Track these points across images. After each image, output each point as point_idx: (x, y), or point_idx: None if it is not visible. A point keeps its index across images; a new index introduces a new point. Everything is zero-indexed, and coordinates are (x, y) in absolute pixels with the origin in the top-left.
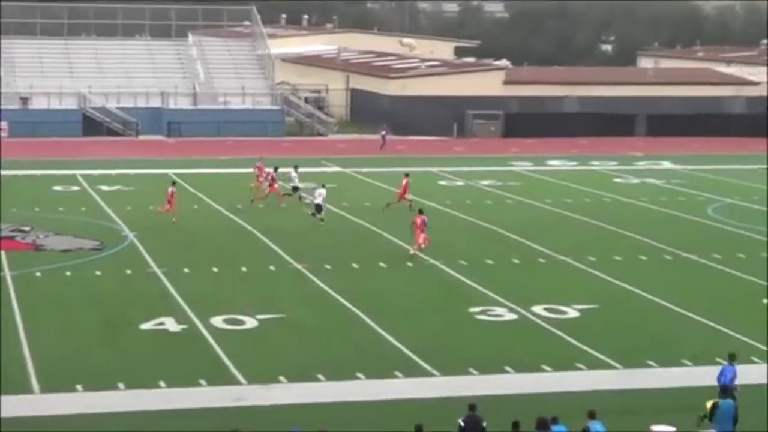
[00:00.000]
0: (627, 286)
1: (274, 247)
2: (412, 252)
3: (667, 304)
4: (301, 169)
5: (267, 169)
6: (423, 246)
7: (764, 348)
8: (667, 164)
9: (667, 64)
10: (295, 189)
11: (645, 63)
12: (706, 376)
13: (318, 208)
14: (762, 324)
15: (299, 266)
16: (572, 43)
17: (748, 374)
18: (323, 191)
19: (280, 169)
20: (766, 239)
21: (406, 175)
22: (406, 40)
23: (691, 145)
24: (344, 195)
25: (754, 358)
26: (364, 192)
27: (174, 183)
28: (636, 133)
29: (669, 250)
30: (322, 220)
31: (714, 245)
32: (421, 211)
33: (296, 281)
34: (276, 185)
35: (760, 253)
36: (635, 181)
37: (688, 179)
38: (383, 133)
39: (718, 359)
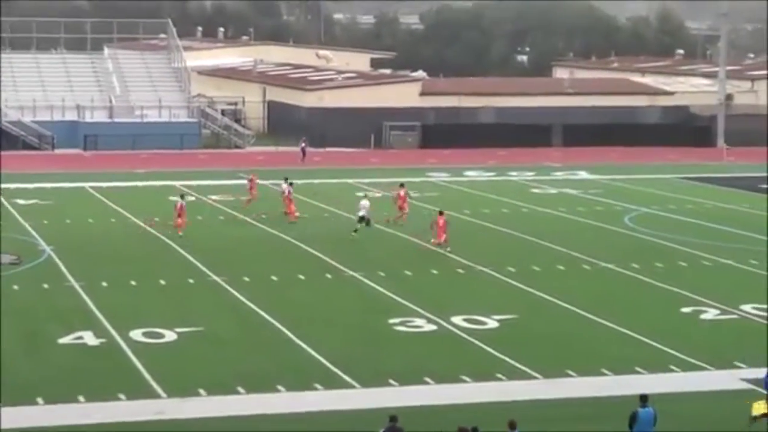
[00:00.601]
0: (546, 296)
1: (193, 260)
2: (434, 242)
3: (586, 314)
4: (217, 182)
5: (285, 186)
6: (442, 243)
7: (682, 356)
8: (583, 174)
9: (582, 74)
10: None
11: (560, 73)
12: (625, 385)
13: (362, 219)
14: (679, 332)
15: (218, 279)
16: (488, 54)
17: (666, 383)
18: (366, 203)
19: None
20: (682, 248)
21: (402, 185)
22: (322, 52)
23: (607, 154)
24: (262, 207)
25: (673, 367)
26: (282, 204)
27: (182, 196)
28: (552, 143)
29: (587, 259)
30: (367, 224)
31: (631, 254)
32: (441, 213)
33: (215, 294)
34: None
35: (677, 262)
36: (553, 191)
37: (604, 189)
38: (303, 145)
39: (637, 368)
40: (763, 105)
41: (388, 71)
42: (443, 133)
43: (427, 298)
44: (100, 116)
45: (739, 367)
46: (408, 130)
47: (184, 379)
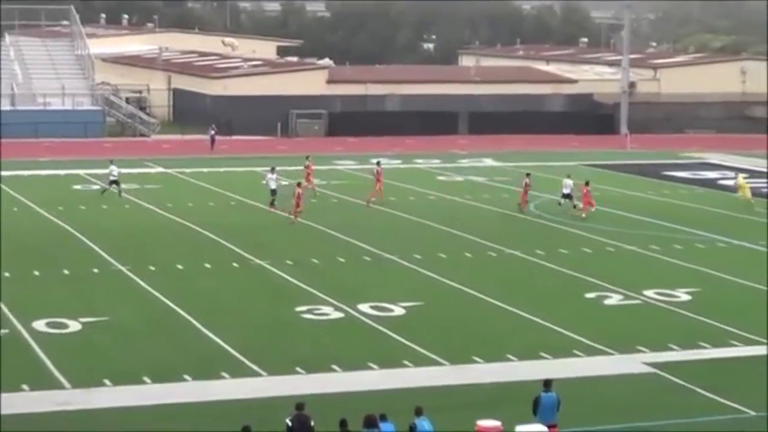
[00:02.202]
0: (452, 283)
1: (97, 249)
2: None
3: (492, 300)
4: (122, 170)
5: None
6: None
7: (586, 341)
8: (489, 161)
9: (488, 62)
10: (273, 192)
11: (466, 61)
12: (530, 370)
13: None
14: (583, 318)
15: (122, 268)
16: (394, 42)
17: (570, 368)
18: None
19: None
20: (587, 234)
21: (378, 162)
22: (228, 40)
23: (513, 142)
24: (168, 196)
25: (577, 352)
26: (188, 193)
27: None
28: (459, 131)
29: (493, 246)
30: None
31: (537, 241)
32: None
33: (120, 283)
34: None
35: (581, 248)
36: (459, 178)
37: (510, 176)
38: (212, 133)
39: (542, 354)
40: (665, 93)
41: (294, 59)
42: (350, 121)
43: (335, 286)
44: (2, 104)
45: (642, 352)
46: (315, 118)
47: (89, 369)
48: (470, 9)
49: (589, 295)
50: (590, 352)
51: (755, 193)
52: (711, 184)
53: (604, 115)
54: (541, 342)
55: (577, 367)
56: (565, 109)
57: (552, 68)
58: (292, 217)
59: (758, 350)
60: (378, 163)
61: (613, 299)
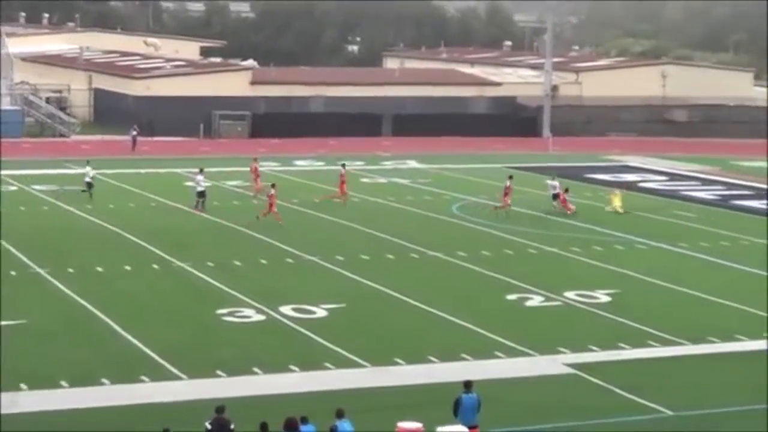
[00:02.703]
0: (374, 285)
1: (14, 251)
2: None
3: (414, 302)
4: (41, 172)
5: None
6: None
7: (507, 343)
8: (413, 163)
9: (412, 64)
10: (201, 194)
11: (391, 63)
12: (451, 372)
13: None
14: (505, 319)
15: (41, 270)
16: (319, 44)
17: (491, 369)
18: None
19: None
20: (509, 236)
21: (343, 165)
22: (150, 40)
23: (437, 144)
24: (88, 197)
25: (498, 353)
26: (109, 194)
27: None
28: (383, 132)
29: (415, 248)
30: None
31: (459, 243)
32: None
33: (38, 286)
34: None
35: (503, 250)
36: (382, 180)
37: (433, 178)
38: (134, 133)
39: (463, 355)
40: (587, 96)
41: (218, 60)
42: (274, 123)
43: (256, 288)
44: None
45: (562, 353)
46: (238, 120)
47: (6, 373)
48: (395, 11)
49: (511, 297)
50: (511, 353)
51: (680, 197)
52: (631, 186)
53: (527, 118)
54: (462, 343)
55: (498, 368)
56: (488, 112)
57: (476, 71)
58: (262, 216)
59: (676, 350)
60: (343, 165)
61: (534, 301)
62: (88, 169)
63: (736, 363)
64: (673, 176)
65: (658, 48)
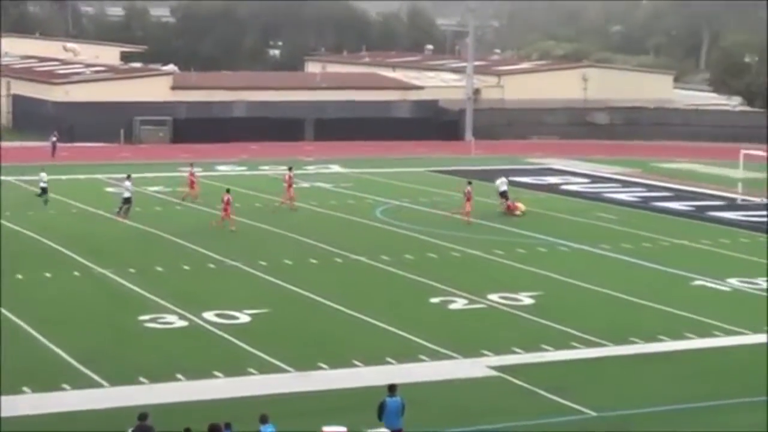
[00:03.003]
0: (298, 290)
1: None
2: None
3: (338, 306)
4: None
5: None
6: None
7: (431, 346)
8: (335, 168)
9: (334, 68)
10: (127, 201)
11: (313, 68)
12: (376, 376)
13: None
14: (428, 322)
15: None
16: (240, 48)
17: (415, 372)
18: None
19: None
20: (432, 240)
21: (290, 168)
22: (69, 45)
23: (359, 148)
24: (6, 204)
25: (422, 357)
26: (27, 200)
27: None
28: (305, 137)
29: (339, 252)
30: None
31: (382, 247)
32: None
33: None
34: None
35: (426, 254)
36: (305, 185)
37: (356, 182)
38: (54, 139)
39: (388, 359)
40: (509, 99)
41: (138, 65)
42: (195, 128)
43: (179, 294)
44: None
45: (486, 355)
46: (159, 125)
47: None
48: (316, 15)
49: (434, 300)
50: (435, 356)
51: (602, 199)
52: (554, 189)
53: (450, 122)
54: (386, 347)
55: (422, 371)
56: (411, 116)
57: (398, 75)
58: (220, 223)
59: (598, 351)
60: (290, 169)
61: (458, 304)
62: (42, 174)
63: (658, 363)
64: (594, 179)
65: (579, 51)
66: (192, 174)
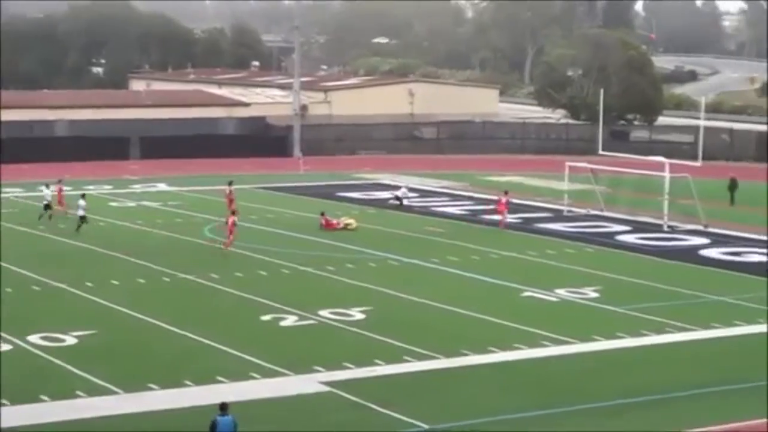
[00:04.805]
0: (126, 310)
1: None
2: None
3: (167, 326)
4: None
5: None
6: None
7: (263, 363)
8: (162, 186)
9: (159, 86)
10: (47, 207)
11: (137, 85)
12: (207, 395)
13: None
14: (260, 340)
15: None
16: (62, 66)
17: (247, 390)
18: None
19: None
20: (262, 257)
21: (230, 183)
22: None
23: (186, 166)
24: None
25: (254, 374)
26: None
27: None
28: (130, 156)
29: (167, 271)
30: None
31: (212, 265)
32: (506, 192)
33: None
34: None
35: (257, 271)
36: (131, 204)
37: (183, 200)
38: None
39: (219, 377)
40: (336, 115)
41: None
42: (16, 148)
43: (2, 317)
44: None
45: (318, 371)
46: None
47: None
48: (140, 32)
49: (265, 317)
50: (267, 374)
51: (431, 212)
52: (382, 203)
53: (277, 138)
54: (217, 366)
55: (254, 389)
56: (238, 132)
57: (224, 92)
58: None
59: (430, 364)
60: (230, 183)
61: (289, 320)
62: (47, 191)
63: (489, 375)
64: (423, 193)
65: (405, 66)
66: (60, 189)
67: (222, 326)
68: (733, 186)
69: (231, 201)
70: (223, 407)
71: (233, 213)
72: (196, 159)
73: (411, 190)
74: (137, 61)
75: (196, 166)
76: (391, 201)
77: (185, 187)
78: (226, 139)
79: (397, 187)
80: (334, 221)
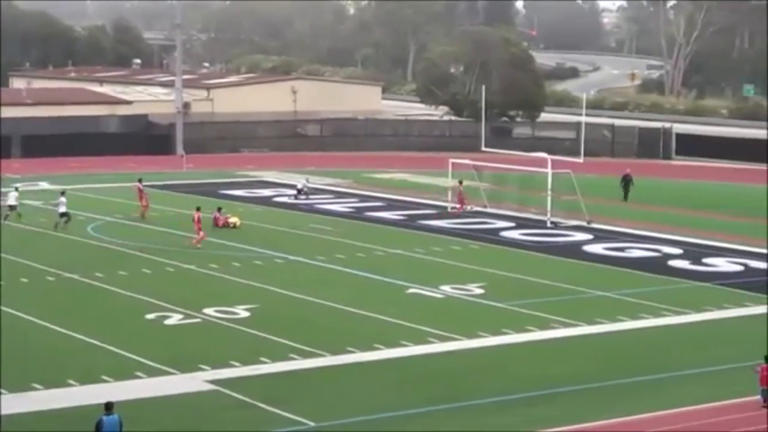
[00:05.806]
0: (9, 310)
1: None
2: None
3: (51, 325)
4: None
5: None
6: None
7: (148, 362)
8: (44, 185)
9: (40, 84)
10: (12, 208)
11: (18, 83)
12: (92, 394)
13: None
14: (144, 339)
15: None
16: None
17: (132, 389)
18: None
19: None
20: (146, 255)
21: (139, 179)
22: None
23: (69, 164)
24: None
25: (139, 373)
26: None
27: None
28: (12, 154)
29: (51, 271)
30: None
31: (95, 264)
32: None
33: None
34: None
35: (141, 269)
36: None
37: (66, 199)
38: None
39: (104, 377)
40: (219, 113)
41: None
42: None
43: None
44: None
45: (203, 370)
46: None
47: None
48: (19, 30)
49: (150, 316)
50: (152, 372)
51: (316, 210)
52: (267, 201)
53: (160, 136)
54: (102, 365)
55: (139, 388)
56: (120, 130)
57: (106, 89)
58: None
59: (316, 362)
60: (140, 180)
61: (174, 319)
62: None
63: (375, 372)
64: (308, 190)
65: (287, 64)
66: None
67: (106, 325)
68: (626, 182)
69: (142, 197)
70: (109, 406)
71: (144, 207)
72: (79, 157)
73: (294, 188)
74: (18, 59)
75: (78, 165)
76: (298, 196)
77: (68, 186)
78: (109, 137)
79: (293, 186)
80: (221, 218)
